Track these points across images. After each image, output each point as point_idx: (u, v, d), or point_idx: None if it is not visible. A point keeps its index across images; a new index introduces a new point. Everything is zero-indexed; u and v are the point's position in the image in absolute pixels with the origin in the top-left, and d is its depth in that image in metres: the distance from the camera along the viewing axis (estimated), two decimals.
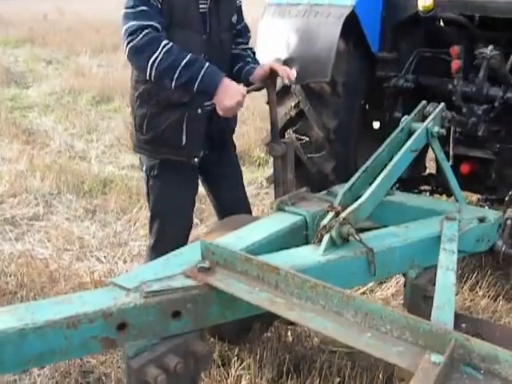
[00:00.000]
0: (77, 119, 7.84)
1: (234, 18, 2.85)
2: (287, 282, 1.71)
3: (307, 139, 3.48)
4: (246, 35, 2.99)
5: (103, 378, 2.90)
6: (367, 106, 4.05)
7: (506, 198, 3.26)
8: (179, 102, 2.66)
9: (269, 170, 5.57)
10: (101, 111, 8.46)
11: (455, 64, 3.45)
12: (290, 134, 3.49)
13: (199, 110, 2.70)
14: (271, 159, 2.82)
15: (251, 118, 6.94)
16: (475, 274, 3.81)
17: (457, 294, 3.64)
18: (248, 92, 2.64)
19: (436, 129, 2.76)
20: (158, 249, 2.85)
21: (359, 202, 2.23)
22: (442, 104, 3.00)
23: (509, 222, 2.94)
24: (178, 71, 2.45)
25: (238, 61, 2.88)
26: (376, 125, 4.16)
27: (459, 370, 1.46)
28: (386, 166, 2.51)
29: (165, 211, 2.87)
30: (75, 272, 3.83)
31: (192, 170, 2.88)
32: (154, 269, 1.97)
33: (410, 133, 2.76)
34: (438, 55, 3.67)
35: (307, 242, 2.30)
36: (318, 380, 2.70)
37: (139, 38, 2.44)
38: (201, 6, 2.65)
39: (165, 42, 2.46)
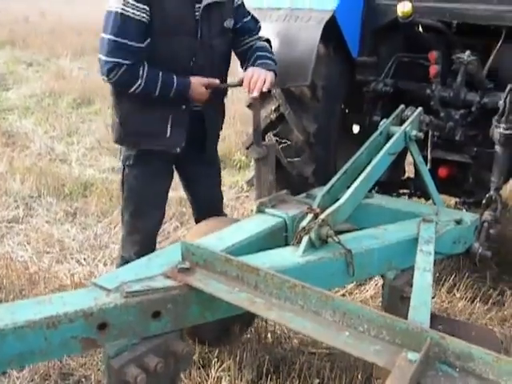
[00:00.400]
0: (57, 122, 7.79)
1: (228, 23, 2.91)
2: (266, 283, 1.74)
3: (287, 142, 3.51)
4: (252, 30, 3.05)
5: (83, 380, 2.89)
6: (347, 110, 4.08)
7: (483, 201, 3.31)
8: (164, 101, 2.78)
9: (249, 174, 5.60)
10: (81, 114, 8.42)
11: (433, 69, 3.50)
12: (270, 138, 3.51)
13: (183, 106, 2.84)
14: (252, 162, 2.86)
15: (232, 122, 6.94)
16: (453, 277, 3.86)
17: (434, 297, 3.69)
18: (228, 86, 2.93)
19: (414, 132, 2.81)
20: (130, 239, 3.02)
21: (338, 204, 2.26)
22: (420, 108, 3.05)
23: (485, 224, 3.00)
24: (157, 89, 2.72)
25: (245, 59, 3.00)
26: (356, 129, 4.19)
27: (435, 368, 1.49)
28: (364, 168, 2.54)
29: (137, 200, 2.98)
30: (55, 274, 3.81)
31: (167, 163, 3.01)
32: (135, 269, 1.98)
33: (389, 136, 2.80)
34: (416, 60, 3.72)
35: (287, 244, 2.33)
36: (297, 381, 2.73)
37: (118, 76, 2.66)
38: (195, 13, 2.76)
39: (141, 72, 2.66)
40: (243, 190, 5.45)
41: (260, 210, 2.47)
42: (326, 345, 3.03)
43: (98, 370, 2.87)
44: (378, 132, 2.85)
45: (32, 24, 17.99)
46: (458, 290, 3.77)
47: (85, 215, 4.88)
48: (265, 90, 2.75)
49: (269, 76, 2.78)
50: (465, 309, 3.61)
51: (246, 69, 2.92)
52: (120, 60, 2.63)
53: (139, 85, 2.68)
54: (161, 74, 2.71)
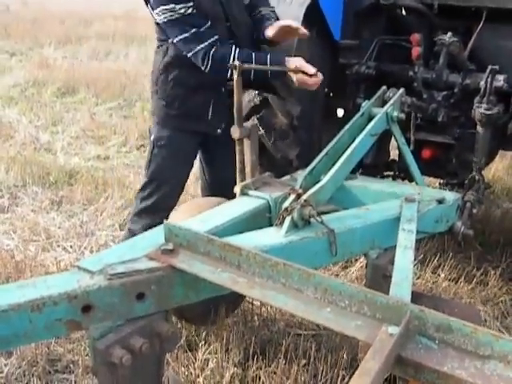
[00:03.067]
0: (41, 111, 7.75)
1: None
2: (249, 262, 1.75)
3: (271, 127, 3.51)
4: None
5: (71, 365, 2.91)
6: (331, 94, 4.09)
7: (466, 182, 3.34)
8: (208, 84, 3.00)
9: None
10: (66, 103, 8.38)
11: (415, 51, 3.52)
12: (254, 122, 3.51)
13: (223, 89, 3.05)
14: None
15: None
16: (437, 257, 3.91)
17: (419, 277, 3.74)
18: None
19: (395, 113, 2.82)
20: (143, 214, 3.16)
21: (320, 184, 2.27)
22: (402, 89, 3.06)
23: (468, 204, 3.03)
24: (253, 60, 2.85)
25: (259, 25, 3.10)
26: (340, 112, 4.20)
27: (415, 341, 1.51)
28: (346, 150, 2.55)
29: (161, 180, 3.14)
30: (41, 262, 3.81)
31: (196, 146, 3.24)
32: (119, 252, 1.98)
33: (370, 118, 2.82)
34: (398, 42, 3.73)
35: (271, 225, 2.33)
36: (283, 362, 2.75)
37: (211, 58, 2.83)
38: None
39: (232, 52, 2.83)
40: None
41: (243, 193, 2.48)
42: (312, 326, 3.09)
43: (86, 355, 2.89)
44: (359, 113, 2.87)
45: (14, 13, 17.81)
46: (442, 270, 3.82)
47: (70, 203, 4.89)
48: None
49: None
50: (449, 288, 3.66)
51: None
52: (202, 44, 2.81)
53: (234, 55, 2.81)
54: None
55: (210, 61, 2.82)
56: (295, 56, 3.20)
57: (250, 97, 3.54)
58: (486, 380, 1.39)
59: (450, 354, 1.47)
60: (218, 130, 3.14)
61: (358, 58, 3.75)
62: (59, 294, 1.72)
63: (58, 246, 4.14)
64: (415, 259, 3.79)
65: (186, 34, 2.82)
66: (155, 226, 2.13)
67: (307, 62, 3.41)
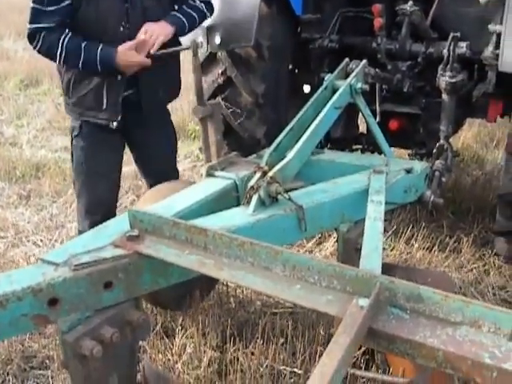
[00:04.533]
0: (5, 105, 7.59)
1: None
2: (215, 243, 1.71)
3: (236, 106, 3.47)
4: None
5: (46, 361, 2.86)
6: (296, 70, 4.05)
7: (434, 151, 3.34)
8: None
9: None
10: (30, 95, 8.22)
11: (377, 22, 3.48)
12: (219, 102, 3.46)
13: (119, 77, 2.80)
14: None
15: (185, 93, 6.85)
16: (410, 228, 3.92)
17: (393, 249, 3.75)
18: (163, 55, 2.80)
19: (359, 85, 2.80)
20: (83, 211, 3.02)
21: (285, 160, 2.24)
22: (364, 61, 3.04)
23: (437, 173, 3.03)
24: (80, 62, 2.71)
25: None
26: (307, 89, 4.17)
27: (386, 312, 1.50)
28: (311, 124, 2.52)
29: (86, 171, 2.98)
30: (11, 259, 3.74)
31: (113, 134, 2.95)
32: (83, 242, 1.93)
33: (334, 90, 2.79)
34: (360, 14, 3.71)
35: (239, 205, 2.30)
36: (261, 342, 2.74)
37: (40, 43, 2.70)
38: None
39: (61, 39, 2.66)
40: (199, 159, 5.41)
41: (210, 174, 2.44)
42: (289, 304, 3.07)
43: None
44: (323, 87, 2.84)
45: None
46: (415, 240, 3.83)
47: (39, 197, 4.80)
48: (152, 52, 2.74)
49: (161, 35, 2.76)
50: (423, 258, 3.68)
51: None
52: (38, 25, 2.67)
53: (60, 54, 2.68)
54: (84, 43, 2.69)
55: (39, 42, 2.71)
56: (257, 33, 3.16)
57: (214, 77, 3.49)
58: (458, 346, 1.38)
59: (421, 322, 1.46)
60: (114, 123, 2.85)
61: (321, 32, 3.72)
62: (23, 288, 1.67)
63: (28, 240, 4.06)
64: (388, 231, 3.82)
65: (32, 5, 2.70)
66: (101, 223, 2.08)
67: (270, 39, 3.38)
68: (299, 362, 2.67)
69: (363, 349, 2.63)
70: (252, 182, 2.10)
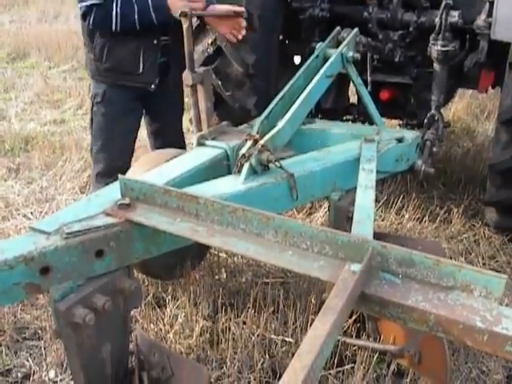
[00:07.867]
0: None
1: None
2: (207, 210, 1.71)
3: (227, 76, 3.43)
4: None
5: (39, 332, 2.86)
6: (287, 41, 4.01)
7: (425, 121, 3.33)
8: (135, 33, 2.83)
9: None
10: (17, 68, 8.12)
11: None
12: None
13: (155, 41, 2.90)
14: None
15: None
16: (401, 199, 3.93)
17: (384, 219, 3.76)
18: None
19: (350, 53, 2.78)
20: (98, 175, 3.08)
21: (277, 128, 2.23)
22: (356, 29, 3.01)
23: (428, 142, 3.02)
24: (136, 18, 2.76)
25: None
26: (297, 59, 4.13)
27: (378, 277, 1.50)
28: (302, 92, 2.50)
29: (106, 137, 3.04)
30: (1, 231, 3.72)
31: (136, 100, 3.06)
32: (75, 211, 1.92)
33: (325, 59, 2.77)
34: None
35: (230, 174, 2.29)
36: (253, 311, 2.74)
37: (93, 17, 2.78)
38: None
39: (114, 6, 2.73)
40: (188, 130, 5.37)
41: (200, 143, 2.42)
42: (280, 273, 3.09)
43: None
44: (314, 55, 2.81)
45: None
46: (406, 211, 3.84)
47: (28, 170, 4.76)
48: None
49: None
50: (414, 228, 3.69)
51: None
52: (90, 2, 2.74)
53: (116, 18, 2.74)
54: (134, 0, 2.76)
55: (93, 17, 2.79)
56: (248, 3, 3.12)
57: (204, 47, 3.45)
58: (449, 310, 1.39)
59: (413, 287, 1.47)
60: (152, 86, 2.99)
61: (311, 1, 3.67)
62: (15, 257, 1.66)
63: (18, 213, 4.03)
64: (379, 201, 3.83)
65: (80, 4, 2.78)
66: None
67: (260, 9, 3.34)
68: (290, 330, 2.69)
69: (354, 317, 2.65)
70: (243, 151, 2.09)
